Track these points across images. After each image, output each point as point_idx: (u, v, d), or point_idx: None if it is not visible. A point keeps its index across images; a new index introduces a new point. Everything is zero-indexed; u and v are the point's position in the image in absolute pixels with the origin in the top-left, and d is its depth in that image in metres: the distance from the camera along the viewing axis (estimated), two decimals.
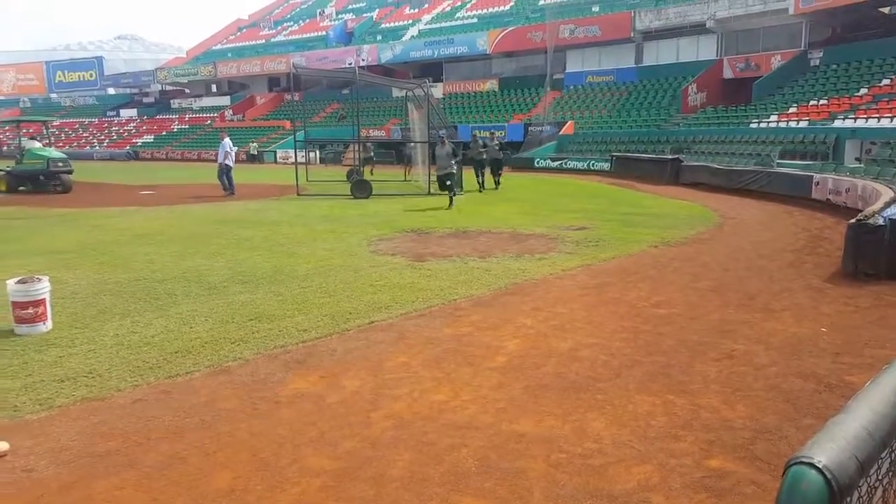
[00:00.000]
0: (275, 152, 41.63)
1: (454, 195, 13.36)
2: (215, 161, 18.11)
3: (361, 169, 19.22)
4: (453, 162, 13.61)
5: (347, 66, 43.74)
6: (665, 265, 7.31)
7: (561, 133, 31.62)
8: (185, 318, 5.21)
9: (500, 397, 3.69)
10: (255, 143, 40.61)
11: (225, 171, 16.83)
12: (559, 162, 27.35)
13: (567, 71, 37.85)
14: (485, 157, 17.32)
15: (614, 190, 17.84)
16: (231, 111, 53.94)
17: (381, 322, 5.12)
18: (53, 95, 72.65)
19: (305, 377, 4.02)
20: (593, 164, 25.54)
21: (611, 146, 27.95)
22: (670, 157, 20.96)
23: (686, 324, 5.06)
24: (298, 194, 16.36)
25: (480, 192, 15.90)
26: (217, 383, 3.94)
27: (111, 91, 72.90)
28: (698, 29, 32.03)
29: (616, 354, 4.38)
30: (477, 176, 17.16)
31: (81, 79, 69.17)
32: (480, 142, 17.69)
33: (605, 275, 6.82)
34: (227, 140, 17.19)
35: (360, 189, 15.79)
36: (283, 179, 21.69)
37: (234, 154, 17.22)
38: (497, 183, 17.51)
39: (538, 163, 28.17)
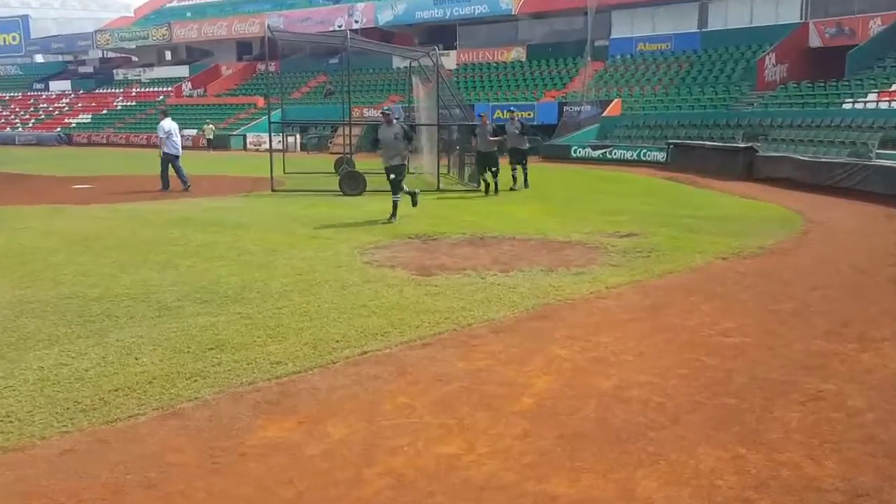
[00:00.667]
0: (244, 136, 41.97)
1: (398, 198, 11.77)
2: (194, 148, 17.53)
3: (352, 157, 19.30)
4: (403, 148, 12.03)
5: (337, 28, 44.14)
6: (735, 282, 7.27)
7: (604, 115, 31.67)
8: (127, 347, 5.23)
9: (526, 450, 3.67)
10: (210, 126, 40.16)
11: (169, 162, 16.69)
12: (602, 151, 27.35)
13: (612, 37, 37.94)
14: (495, 148, 15.58)
15: (671, 186, 17.77)
16: (189, 84, 54.40)
17: (377, 352, 5.12)
18: None
19: (279, 423, 4.02)
20: (645, 154, 25.50)
21: (667, 131, 27.92)
22: (742, 145, 20.89)
23: (762, 357, 5.03)
24: (273, 189, 16.46)
25: (488, 194, 15.31)
26: (167, 430, 3.94)
27: (39, 59, 73.68)
28: None
29: (673, 395, 4.34)
30: (481, 172, 15.77)
31: (1, 42, 69.97)
32: (490, 126, 16.02)
33: (660, 294, 6.80)
34: (164, 122, 16.82)
35: (351, 183, 15.87)
36: (255, 171, 21.84)
37: (178, 139, 16.93)
38: (525, 180, 16.82)
39: (576, 151, 28.20)
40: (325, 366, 4.86)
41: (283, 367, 4.82)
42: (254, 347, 5.20)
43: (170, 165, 16.78)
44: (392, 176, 11.82)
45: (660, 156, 24.75)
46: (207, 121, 41.74)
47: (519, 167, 17.11)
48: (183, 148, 17.71)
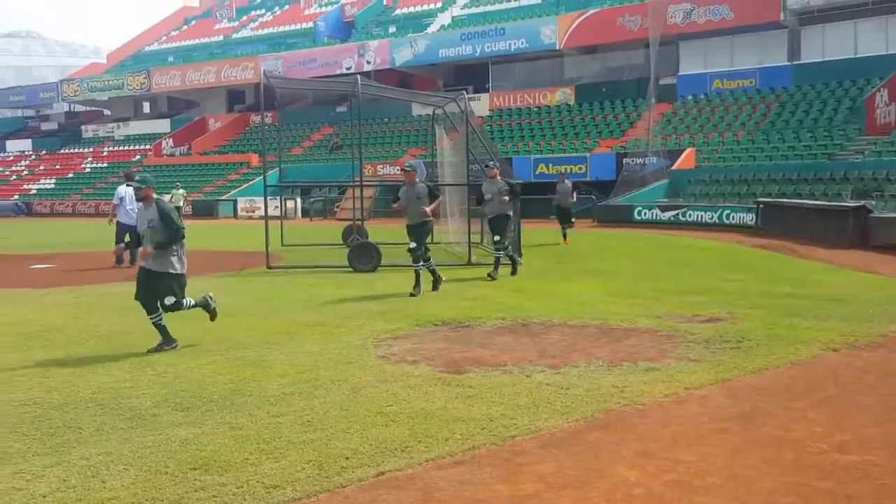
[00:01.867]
0: (234, 201, 42.67)
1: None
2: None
3: (364, 225, 19.52)
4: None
5: (345, 71, 45.30)
6: (852, 381, 7.13)
7: (674, 168, 31.80)
8: (93, 467, 5.22)
9: None
10: (180, 191, 37.31)
11: (126, 233, 17.36)
12: (673, 212, 27.37)
13: (681, 73, 38.55)
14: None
15: (763, 256, 17.69)
16: (171, 141, 55.99)
17: (396, 473, 5.05)
18: None
19: None
20: (728, 216, 25.47)
21: (755, 187, 27.93)
22: (852, 204, 20.77)
23: (892, 479, 4.87)
24: (269, 267, 16.63)
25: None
26: None
27: None
28: (887, 6, 32.33)
29: None
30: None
31: None
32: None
33: (754, 397, 6.66)
34: (121, 188, 17.90)
35: (363, 257, 16.00)
36: (247, 243, 22.14)
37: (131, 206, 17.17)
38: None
39: (640, 213, 28.27)
40: (332, 491, 4.79)
41: (281, 492, 4.76)
42: (245, 467, 5.16)
43: (127, 236, 17.45)
44: (412, 246, 12.83)
45: (747, 218, 24.68)
46: (178, 183, 39.61)
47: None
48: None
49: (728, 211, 25.70)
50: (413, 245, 12.79)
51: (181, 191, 37.62)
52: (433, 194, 13.15)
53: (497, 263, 14.54)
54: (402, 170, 13.50)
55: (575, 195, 22.51)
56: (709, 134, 34.41)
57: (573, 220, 22.16)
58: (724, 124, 34.83)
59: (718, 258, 17.52)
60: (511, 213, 15.03)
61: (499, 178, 14.85)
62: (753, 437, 5.66)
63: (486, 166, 15.60)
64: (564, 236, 21.34)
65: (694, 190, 29.89)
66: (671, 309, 10.72)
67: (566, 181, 22.40)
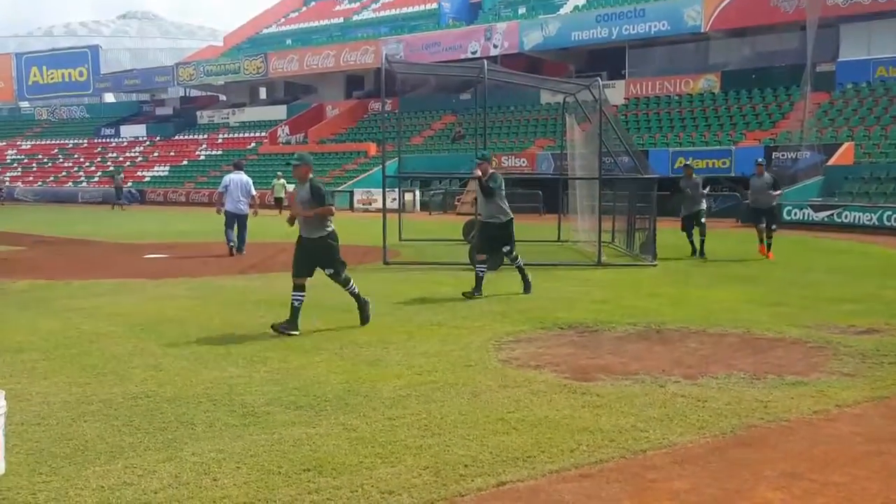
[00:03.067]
0: (350, 193, 43.31)
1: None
2: (261, 207, 20.37)
3: None
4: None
5: (470, 56, 45.53)
6: None
7: (830, 163, 30.75)
8: (205, 464, 5.42)
9: None
10: (281, 181, 38.30)
11: (235, 221, 19.06)
12: (827, 213, 26.58)
13: (841, 59, 37.18)
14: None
15: None
16: (287, 128, 57.08)
17: (518, 484, 5.07)
18: (24, 104, 79.85)
19: None
20: (890, 218, 24.62)
21: None
22: None
23: None
24: (386, 262, 16.90)
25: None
26: None
27: (109, 98, 79.61)
28: None
29: None
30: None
31: (66, 79, 75.97)
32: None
33: None
34: (226, 177, 19.57)
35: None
36: (364, 237, 22.47)
37: (240, 194, 19.24)
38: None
39: (790, 213, 27.54)
40: (449, 499, 4.85)
41: (397, 498, 4.84)
42: (360, 470, 5.27)
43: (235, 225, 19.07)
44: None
45: None
46: (279, 174, 40.19)
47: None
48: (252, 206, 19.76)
49: (890, 212, 24.82)
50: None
51: (282, 181, 38.34)
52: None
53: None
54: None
55: (704, 199, 18.79)
56: (870, 127, 33.12)
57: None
58: (887, 116, 33.44)
59: (878, 264, 16.93)
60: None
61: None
62: None
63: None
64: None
65: (851, 188, 28.91)
66: (823, 318, 10.43)
67: (693, 176, 18.84)
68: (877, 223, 24.66)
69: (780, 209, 18.47)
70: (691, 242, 18.34)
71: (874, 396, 6.95)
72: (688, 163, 20.85)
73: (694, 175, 18.86)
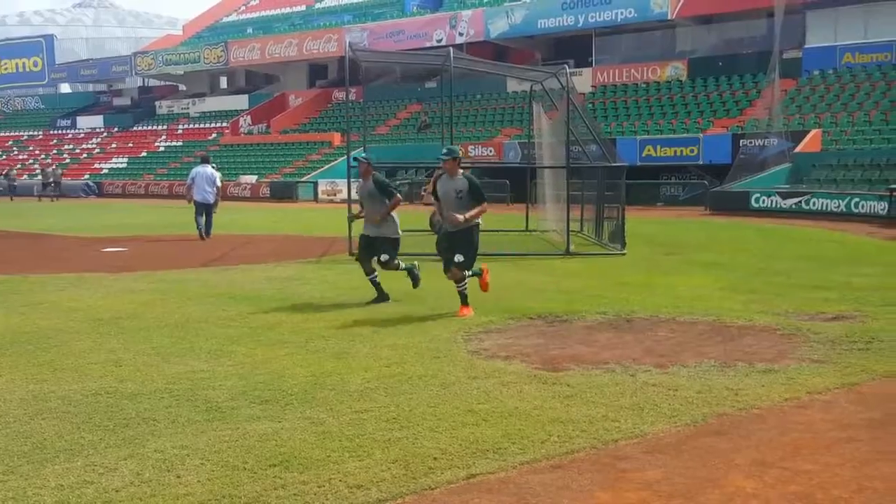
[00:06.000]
0: (314, 184, 43.24)
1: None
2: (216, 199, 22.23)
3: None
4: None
5: (436, 44, 45.47)
6: None
7: (798, 150, 31.05)
8: (168, 461, 5.36)
9: None
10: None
11: (204, 210, 21.16)
12: (795, 200, 26.82)
13: (807, 45, 37.53)
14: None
15: None
16: (249, 118, 56.78)
17: (488, 476, 5.07)
18: None
19: None
20: (857, 205, 24.84)
21: (887, 173, 27.18)
22: None
23: None
24: (352, 253, 16.78)
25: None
26: None
27: (65, 88, 78.68)
28: None
29: None
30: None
31: (20, 69, 74.93)
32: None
33: (886, 403, 6.50)
34: (193, 170, 22.13)
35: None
36: (329, 228, 22.45)
37: (206, 185, 21.42)
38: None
39: (758, 201, 27.78)
40: (419, 493, 4.83)
41: (365, 492, 4.82)
42: (327, 465, 5.25)
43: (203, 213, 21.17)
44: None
45: (878, 207, 24.07)
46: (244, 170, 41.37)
47: None
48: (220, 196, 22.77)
49: (857, 199, 25.04)
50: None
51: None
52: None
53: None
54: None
55: None
56: (837, 113, 33.45)
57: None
58: (854, 103, 33.80)
59: (846, 251, 17.08)
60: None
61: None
62: (884, 446, 5.52)
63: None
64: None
65: (819, 175, 29.17)
66: (792, 306, 10.51)
67: None
68: (844, 210, 24.88)
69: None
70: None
71: (844, 383, 7.01)
72: None
73: None
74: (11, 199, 47.69)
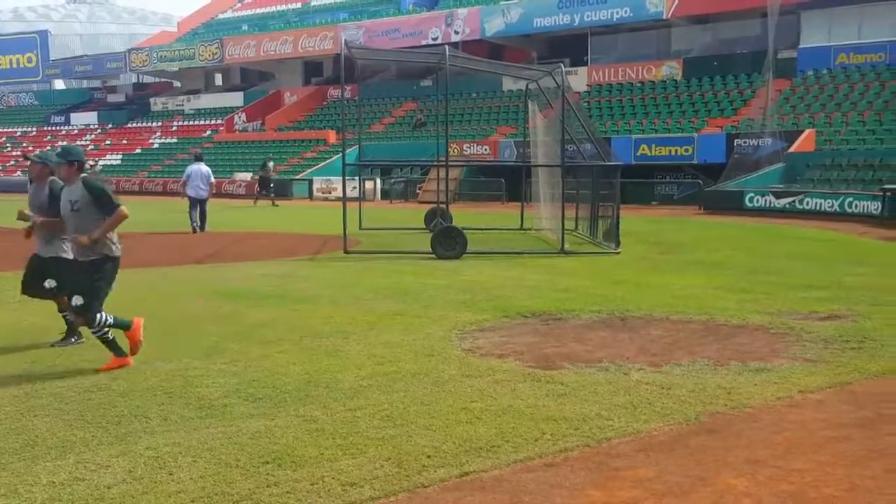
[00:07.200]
0: (310, 181, 43.17)
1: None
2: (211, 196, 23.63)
3: (448, 209, 19.60)
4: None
5: (431, 42, 45.45)
6: None
7: (792, 150, 31.08)
8: (160, 458, 5.35)
9: None
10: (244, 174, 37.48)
11: (197, 205, 22.61)
12: (789, 199, 26.87)
13: (802, 46, 37.57)
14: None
15: (890, 249, 17.28)
16: (244, 115, 56.70)
17: (482, 474, 5.07)
18: None
19: None
20: (851, 205, 24.87)
21: (881, 173, 27.22)
22: None
23: None
24: (347, 251, 16.82)
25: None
26: None
27: (59, 84, 78.49)
28: None
29: None
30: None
31: (14, 65, 74.67)
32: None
33: (878, 402, 6.51)
34: (188, 168, 23.42)
35: (447, 242, 16.05)
36: (323, 226, 22.44)
37: (200, 183, 22.79)
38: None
39: (752, 200, 27.81)
40: (412, 490, 4.84)
41: (359, 490, 4.82)
42: (321, 462, 5.25)
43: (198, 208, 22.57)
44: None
45: (872, 207, 24.10)
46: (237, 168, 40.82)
47: None
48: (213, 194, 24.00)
49: (851, 199, 25.07)
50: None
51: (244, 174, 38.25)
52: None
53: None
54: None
55: None
56: (831, 114, 33.49)
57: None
58: (848, 103, 33.85)
59: (839, 250, 17.09)
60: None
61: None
62: (876, 446, 5.53)
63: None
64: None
65: (813, 175, 29.18)
66: (785, 305, 10.52)
67: None
68: (838, 210, 24.91)
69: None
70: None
71: (836, 382, 7.03)
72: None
73: None
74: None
